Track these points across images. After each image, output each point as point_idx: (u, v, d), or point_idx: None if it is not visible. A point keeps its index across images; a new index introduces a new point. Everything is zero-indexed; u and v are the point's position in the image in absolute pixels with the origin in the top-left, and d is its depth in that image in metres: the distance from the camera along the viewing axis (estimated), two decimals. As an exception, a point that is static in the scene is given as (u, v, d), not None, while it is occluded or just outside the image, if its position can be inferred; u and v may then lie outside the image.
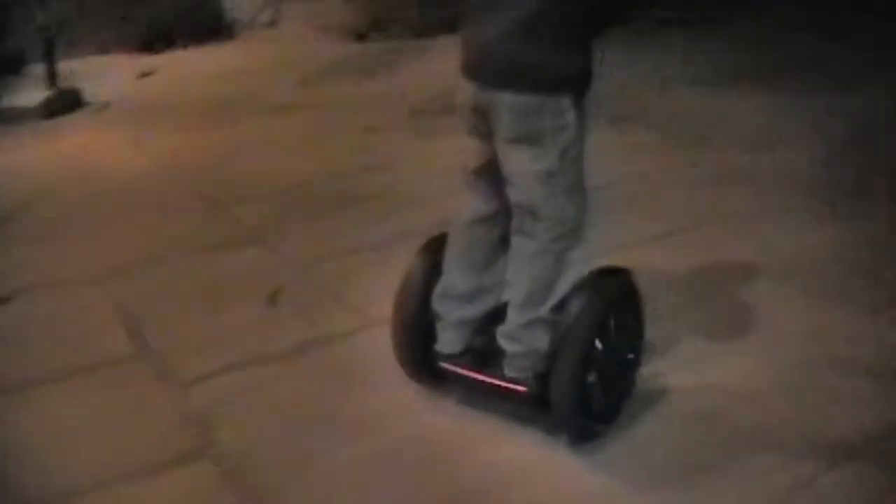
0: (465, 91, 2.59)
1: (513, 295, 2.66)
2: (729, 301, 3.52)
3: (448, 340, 2.77)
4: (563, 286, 2.59)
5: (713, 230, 4.17)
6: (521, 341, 2.63)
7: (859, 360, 3.05)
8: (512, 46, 2.46)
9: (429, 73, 7.31)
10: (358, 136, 5.80)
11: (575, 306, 2.54)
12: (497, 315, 2.74)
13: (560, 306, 2.58)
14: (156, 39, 8.28)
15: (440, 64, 7.60)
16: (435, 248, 2.81)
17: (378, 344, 3.00)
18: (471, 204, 2.74)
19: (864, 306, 3.43)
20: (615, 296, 2.68)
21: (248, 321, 3.50)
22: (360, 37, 8.51)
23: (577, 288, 2.58)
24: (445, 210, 4.37)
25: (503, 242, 2.73)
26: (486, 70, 2.53)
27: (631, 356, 2.78)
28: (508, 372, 2.66)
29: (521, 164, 2.52)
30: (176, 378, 3.12)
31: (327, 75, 7.42)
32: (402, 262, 2.87)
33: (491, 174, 2.63)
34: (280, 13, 8.88)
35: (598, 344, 2.56)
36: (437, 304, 2.77)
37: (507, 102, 2.47)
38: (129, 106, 6.78)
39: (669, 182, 4.78)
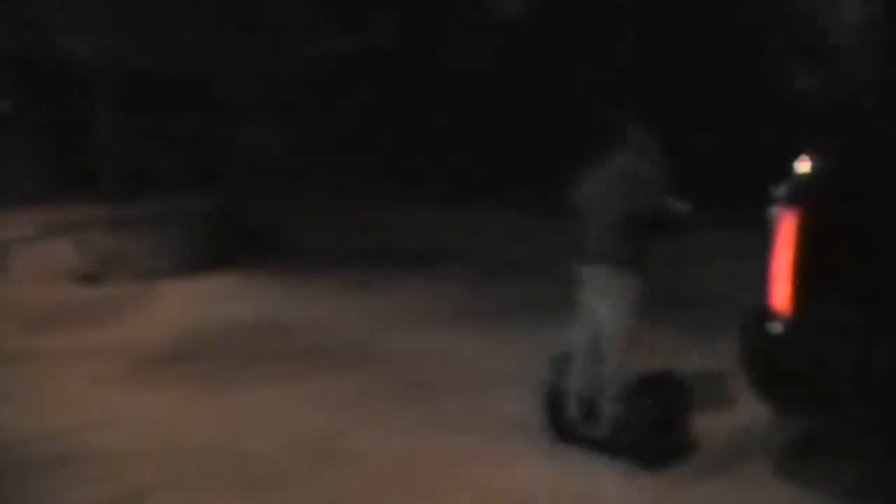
0: (578, 267, 4.81)
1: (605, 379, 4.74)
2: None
3: (573, 408, 4.87)
4: (628, 376, 4.68)
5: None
6: (606, 407, 4.69)
7: None
8: (598, 244, 4.70)
9: (157, 319, 7.53)
10: (81, 389, 5.81)
11: (635, 396, 4.70)
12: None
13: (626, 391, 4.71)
14: None
15: (168, 310, 7.87)
16: (565, 358, 4.98)
17: None
18: (583, 330, 4.84)
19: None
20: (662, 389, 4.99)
21: None
22: (90, 281, 8.62)
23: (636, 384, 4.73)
24: (168, 469, 4.51)
25: (598, 352, 4.76)
26: (586, 255, 4.76)
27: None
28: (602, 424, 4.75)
29: (602, 307, 4.72)
30: None
31: (53, 322, 7.40)
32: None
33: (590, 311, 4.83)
34: (7, 256, 8.83)
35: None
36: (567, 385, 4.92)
37: (594, 273, 4.71)
38: None
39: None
